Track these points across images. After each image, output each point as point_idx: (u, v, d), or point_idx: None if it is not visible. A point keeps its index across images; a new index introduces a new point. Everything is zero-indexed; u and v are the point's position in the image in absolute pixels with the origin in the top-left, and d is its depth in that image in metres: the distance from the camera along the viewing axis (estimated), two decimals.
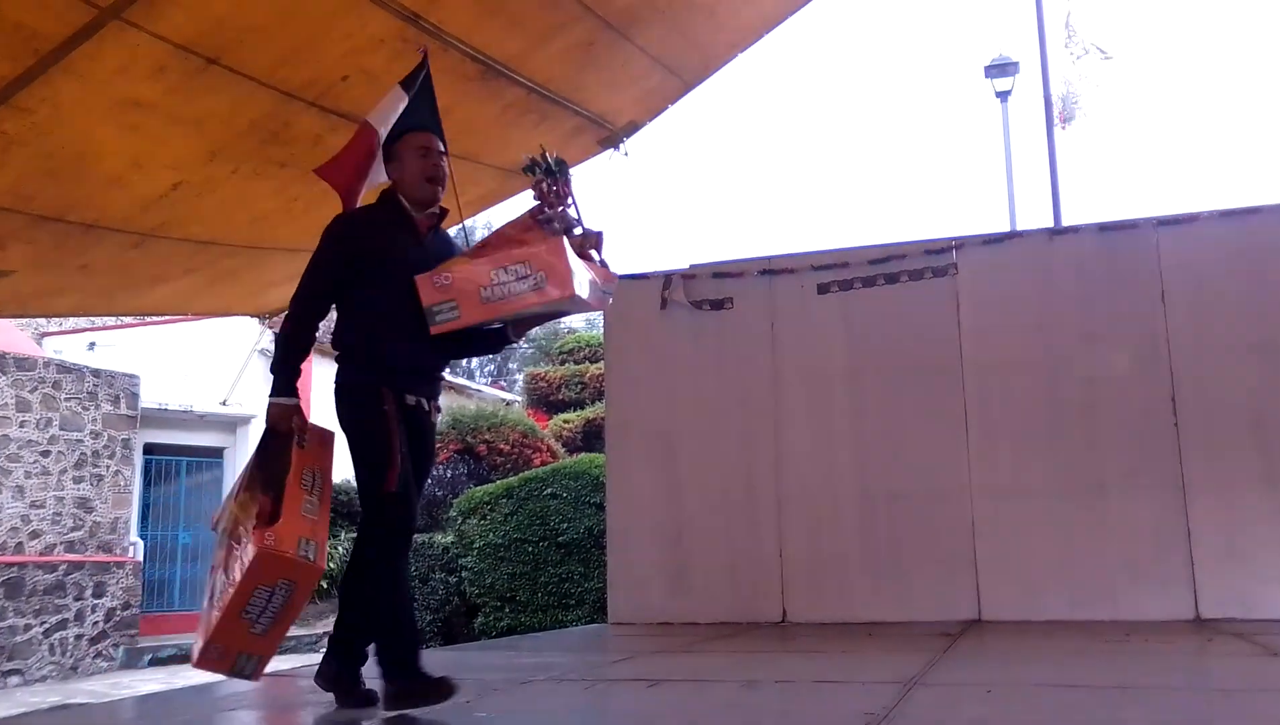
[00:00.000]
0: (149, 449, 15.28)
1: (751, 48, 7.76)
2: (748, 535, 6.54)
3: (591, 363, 15.71)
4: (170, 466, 15.86)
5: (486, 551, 10.49)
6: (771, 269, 6.80)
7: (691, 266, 7.04)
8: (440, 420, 13.03)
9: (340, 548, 12.04)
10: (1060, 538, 6.03)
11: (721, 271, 6.91)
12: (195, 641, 3.20)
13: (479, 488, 11.54)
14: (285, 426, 3.25)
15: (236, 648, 3.08)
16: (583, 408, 15.14)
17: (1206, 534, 5.84)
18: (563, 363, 16.85)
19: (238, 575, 3.01)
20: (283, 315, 3.76)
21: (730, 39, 7.56)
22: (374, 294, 3.37)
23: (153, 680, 11.10)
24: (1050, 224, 8.41)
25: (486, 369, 40.23)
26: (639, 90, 7.47)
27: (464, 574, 10.76)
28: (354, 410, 3.31)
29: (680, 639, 5.64)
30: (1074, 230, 6.72)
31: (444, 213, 3.69)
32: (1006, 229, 9.61)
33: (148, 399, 14.59)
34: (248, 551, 2.99)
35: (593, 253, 3.62)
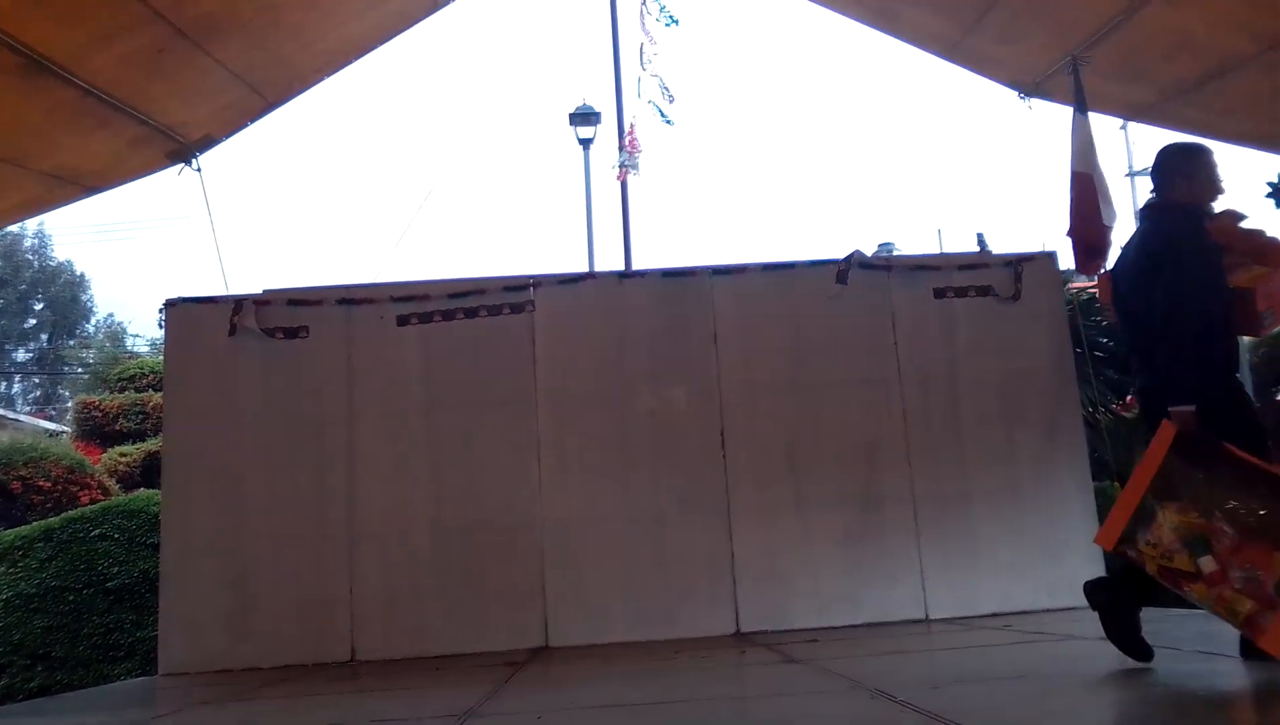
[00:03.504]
0: None
1: (342, 71, 7.64)
2: (317, 573, 6.30)
3: (155, 391, 14.40)
4: None
5: (16, 603, 9.21)
6: (350, 298, 6.65)
7: (265, 291, 6.71)
8: None
9: None
10: (623, 564, 6.40)
11: (297, 299, 6.65)
12: (1260, 634, 3.30)
13: (10, 530, 10.14)
14: (1195, 429, 3.63)
15: None
16: (144, 440, 13.82)
17: (748, 556, 6.46)
18: (122, 390, 15.28)
19: None
20: None
21: (317, 61, 7.36)
22: (1222, 301, 3.85)
23: None
24: (621, 267, 8.99)
25: (31, 396, 35.71)
26: (216, 104, 7.06)
27: None
28: (1238, 405, 3.84)
29: (237, 686, 5.30)
30: (641, 274, 7.22)
31: None
32: (586, 270, 10.14)
33: None
34: None
35: None
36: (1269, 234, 4.04)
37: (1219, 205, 4.19)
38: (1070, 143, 5.33)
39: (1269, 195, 4.38)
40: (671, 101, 8.61)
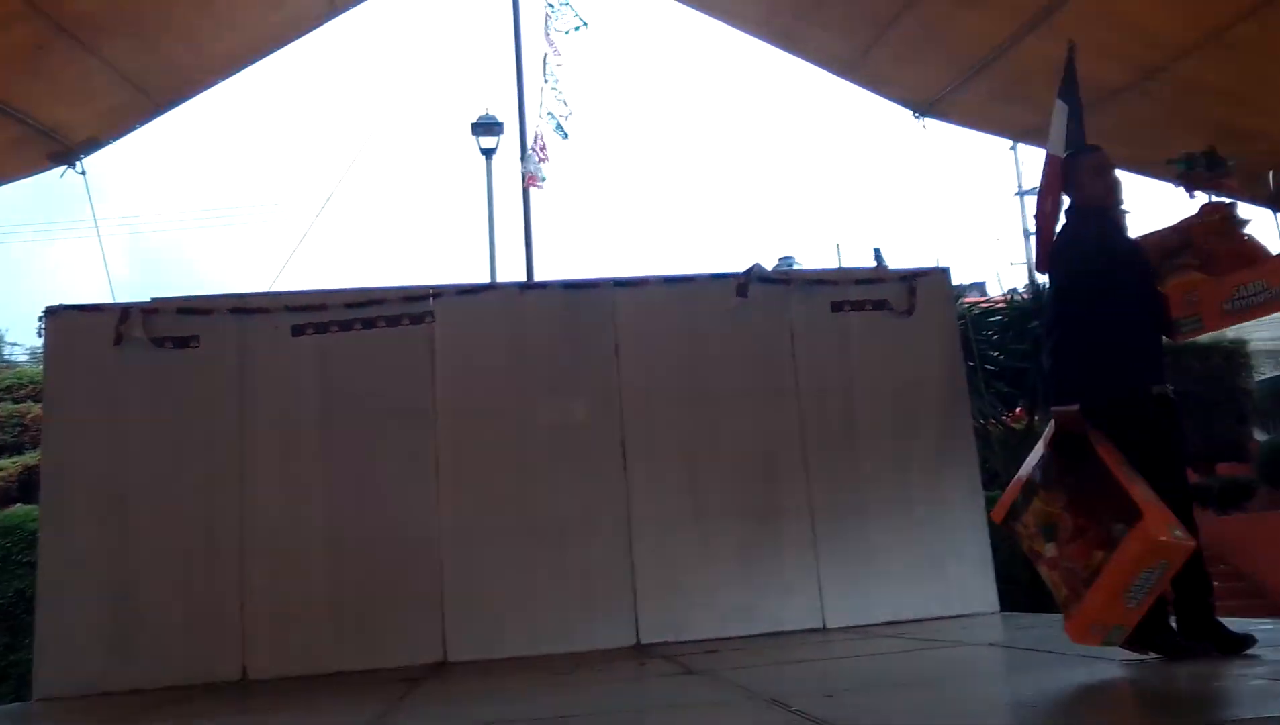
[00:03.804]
0: None
1: (237, 75, 7.46)
2: (206, 590, 6.10)
3: (35, 402, 13.82)
4: None
5: None
6: (244, 308, 6.48)
7: (154, 300, 6.50)
8: None
9: None
10: (522, 577, 6.34)
11: (188, 307, 6.45)
12: (1067, 619, 3.71)
13: None
14: (1078, 428, 3.79)
15: (1114, 622, 3.59)
16: (21, 453, 13.23)
17: (648, 567, 6.47)
18: None
19: (1122, 561, 3.50)
20: None
21: (210, 64, 7.18)
22: (1117, 302, 3.86)
23: None
24: (523, 278, 8.96)
25: None
26: (102, 105, 6.83)
27: None
28: (1115, 408, 3.83)
29: (118, 710, 5.10)
30: (543, 286, 7.20)
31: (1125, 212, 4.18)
32: (487, 281, 10.08)
33: None
34: (1130, 544, 3.49)
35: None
36: (1248, 238, 4.05)
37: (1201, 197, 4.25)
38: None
39: (1180, 162, 4.38)
40: (568, 118, 8.64)
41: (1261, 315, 4.02)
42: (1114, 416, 3.83)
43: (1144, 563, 3.49)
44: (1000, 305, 12.29)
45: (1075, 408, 3.80)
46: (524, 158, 8.89)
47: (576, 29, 8.78)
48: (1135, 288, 3.96)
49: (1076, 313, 3.89)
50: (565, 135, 8.61)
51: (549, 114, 8.54)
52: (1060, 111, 5.25)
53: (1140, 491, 3.57)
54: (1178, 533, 3.51)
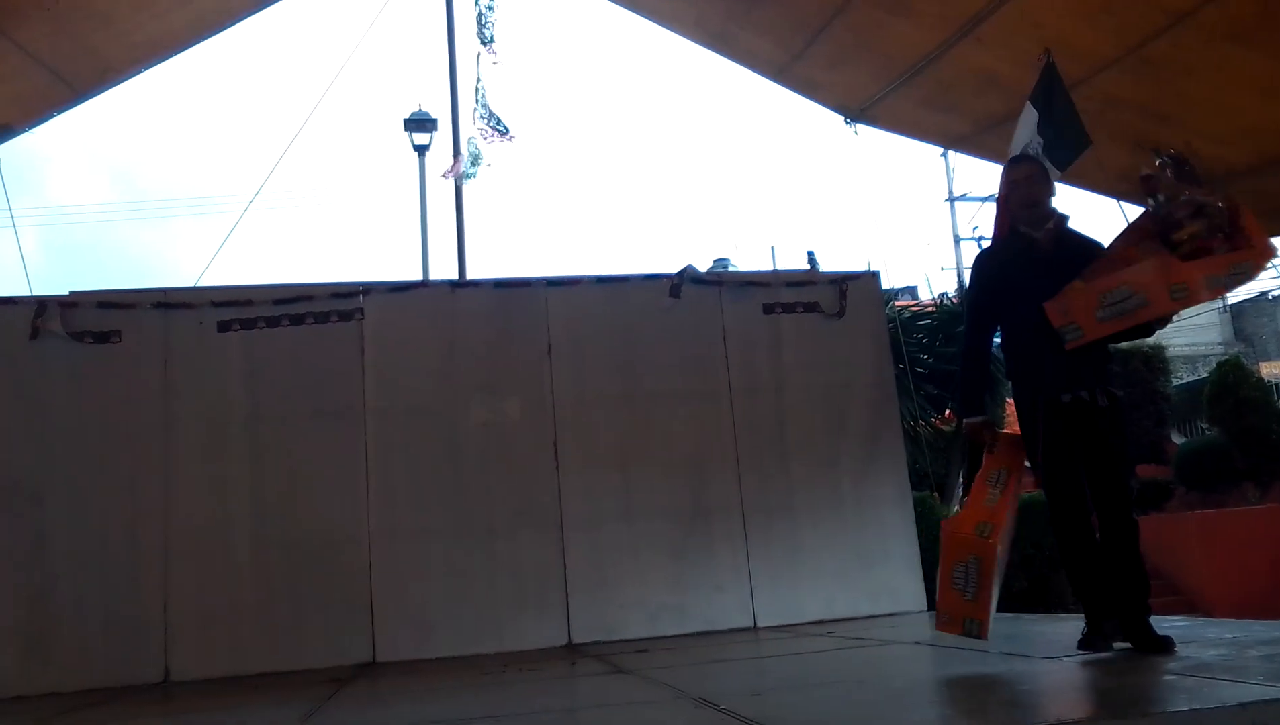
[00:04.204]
0: None
1: (162, 64, 7.30)
2: (127, 591, 5.95)
3: None
4: None
5: None
6: (167, 302, 6.33)
7: (73, 293, 6.32)
8: None
9: None
10: (452, 577, 6.29)
11: (109, 301, 6.27)
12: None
13: None
14: (979, 438, 4.11)
15: (960, 614, 3.91)
16: None
17: (579, 567, 6.46)
18: None
19: (941, 554, 3.91)
20: None
21: (132, 53, 7.02)
22: (1016, 315, 4.04)
23: None
24: (455, 276, 8.89)
25: None
26: (14, 90, 6.64)
27: None
28: (1019, 419, 4.08)
29: (32, 714, 4.95)
30: (475, 284, 7.15)
31: (1064, 216, 4.13)
32: (420, 277, 9.98)
33: None
34: (941, 538, 3.92)
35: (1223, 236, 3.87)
36: (1182, 241, 3.86)
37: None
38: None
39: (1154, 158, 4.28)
40: (496, 122, 8.58)
41: (1137, 322, 3.93)
42: (1022, 427, 4.09)
43: (951, 554, 3.88)
44: (930, 309, 12.51)
45: (979, 419, 4.12)
46: (455, 154, 8.82)
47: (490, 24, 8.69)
48: (1033, 297, 3.96)
49: (971, 332, 4.23)
50: (505, 130, 8.56)
51: (482, 110, 8.48)
52: (1027, 115, 5.37)
53: (983, 493, 3.93)
54: (984, 531, 3.83)
